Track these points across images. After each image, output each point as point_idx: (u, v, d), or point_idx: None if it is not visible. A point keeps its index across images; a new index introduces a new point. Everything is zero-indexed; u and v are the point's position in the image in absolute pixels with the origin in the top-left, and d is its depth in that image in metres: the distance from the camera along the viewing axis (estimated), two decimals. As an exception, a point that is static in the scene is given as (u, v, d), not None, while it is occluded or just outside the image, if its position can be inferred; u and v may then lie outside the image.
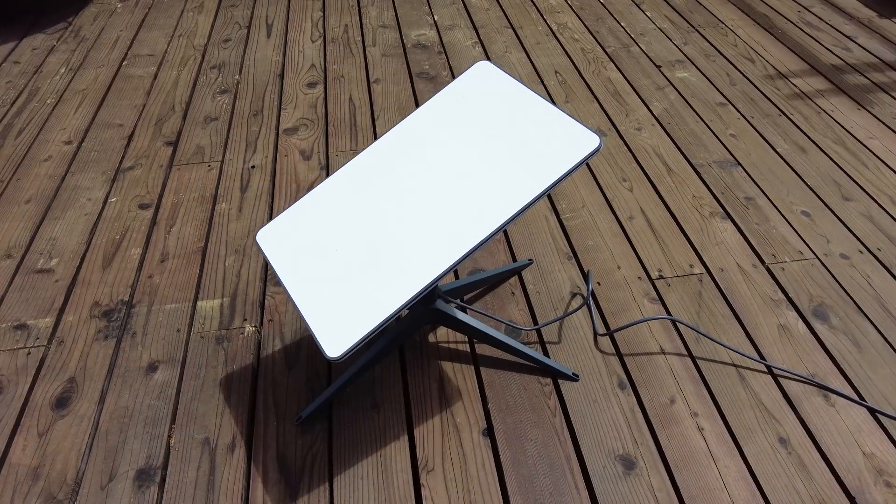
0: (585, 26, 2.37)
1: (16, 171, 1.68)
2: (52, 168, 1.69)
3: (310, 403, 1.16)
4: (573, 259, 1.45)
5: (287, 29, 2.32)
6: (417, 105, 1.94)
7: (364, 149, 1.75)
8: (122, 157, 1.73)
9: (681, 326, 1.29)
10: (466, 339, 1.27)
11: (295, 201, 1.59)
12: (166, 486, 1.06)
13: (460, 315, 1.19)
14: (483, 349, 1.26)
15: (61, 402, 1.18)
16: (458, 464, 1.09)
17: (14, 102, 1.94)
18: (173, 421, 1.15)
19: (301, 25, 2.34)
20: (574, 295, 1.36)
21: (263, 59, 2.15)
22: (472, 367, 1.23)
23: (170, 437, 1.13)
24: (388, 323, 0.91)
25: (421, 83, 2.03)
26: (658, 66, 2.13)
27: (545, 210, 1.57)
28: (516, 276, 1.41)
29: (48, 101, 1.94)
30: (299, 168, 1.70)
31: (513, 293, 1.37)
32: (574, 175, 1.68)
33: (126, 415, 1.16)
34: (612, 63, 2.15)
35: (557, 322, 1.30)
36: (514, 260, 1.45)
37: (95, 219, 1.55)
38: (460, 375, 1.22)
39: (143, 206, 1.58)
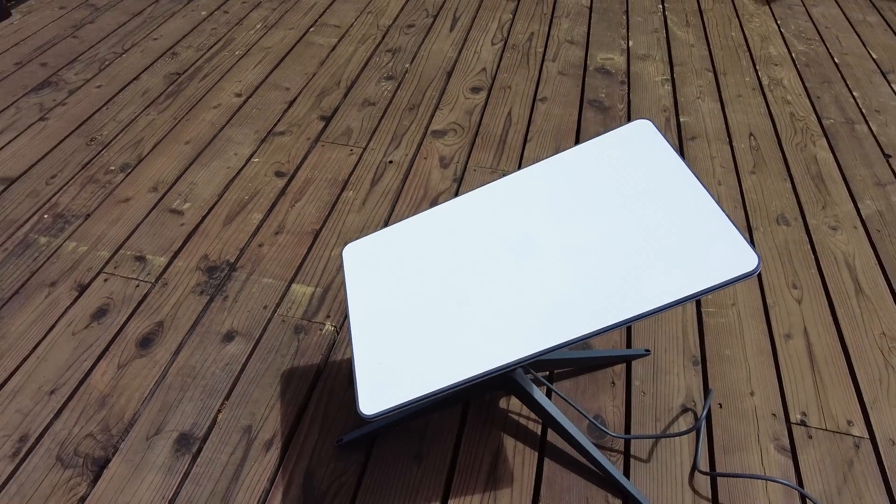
0: (805, 87, 2.01)
1: (188, 112, 1.81)
2: (216, 116, 1.80)
3: (356, 429, 1.09)
4: (699, 365, 1.21)
5: (472, 26, 2.26)
6: (578, 134, 1.77)
7: (504, 170, 1.64)
8: (278, 121, 1.79)
9: (808, 502, 1.01)
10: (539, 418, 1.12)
11: (417, 212, 1.52)
12: (198, 461, 1.05)
13: (536, 393, 1.03)
14: (555, 437, 1.09)
15: (145, 342, 1.23)
16: None
17: (210, 49, 2.10)
18: (227, 398, 1.15)
19: (487, 25, 2.26)
20: (685, 410, 1.14)
21: (438, 52, 2.10)
22: (536, 453, 1.07)
23: (219, 412, 1.13)
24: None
25: (590, 112, 1.85)
26: (887, 156, 1.73)
27: (683, 294, 1.34)
28: (624, 364, 1.21)
29: (236, 53, 2.08)
30: (433, 174, 1.63)
31: (613, 383, 1.18)
32: (732, 262, 1.42)
33: (191, 375, 1.18)
34: (824, 139, 1.79)
35: (653, 439, 1.09)
36: (629, 344, 1.25)
37: (234, 174, 1.61)
38: (519, 458, 1.07)
39: (278, 174, 1.62)
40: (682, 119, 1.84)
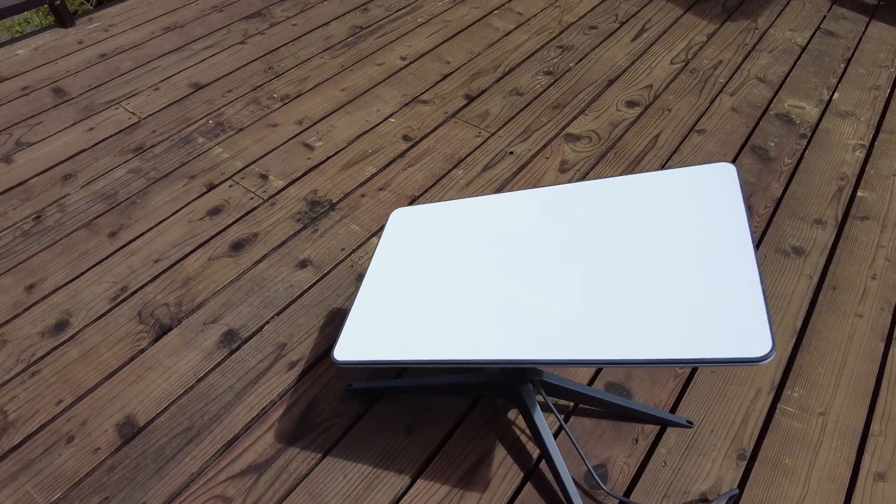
0: None
1: (355, 64, 1.97)
2: (376, 73, 1.93)
3: (367, 381, 1.14)
4: (745, 462, 1.05)
5: (657, 40, 2.12)
6: (723, 178, 1.59)
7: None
8: (426, 90, 1.87)
9: None
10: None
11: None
12: (232, 357, 1.18)
13: (536, 414, 0.99)
14: (547, 467, 1.03)
15: (237, 246, 1.40)
16: None
17: (397, 11, 2.24)
18: (278, 314, 1.26)
19: (674, 43, 2.11)
20: (703, 501, 1.00)
21: (609, 58, 2.02)
22: (522, 474, 1.03)
23: (267, 323, 1.25)
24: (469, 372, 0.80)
25: (748, 157, 1.65)
26: None
27: (765, 380, 1.16)
28: (658, 427, 1.09)
29: (418, 20, 2.19)
30: (548, 175, 1.59)
31: (636, 440, 1.08)
32: (839, 363, 1.19)
33: (259, 283, 1.31)
34: None
35: (652, 510, 0.98)
36: (675, 409, 1.13)
37: (369, 128, 1.73)
38: (503, 471, 1.03)
39: (405, 138, 1.70)
40: (859, 193, 1.56)
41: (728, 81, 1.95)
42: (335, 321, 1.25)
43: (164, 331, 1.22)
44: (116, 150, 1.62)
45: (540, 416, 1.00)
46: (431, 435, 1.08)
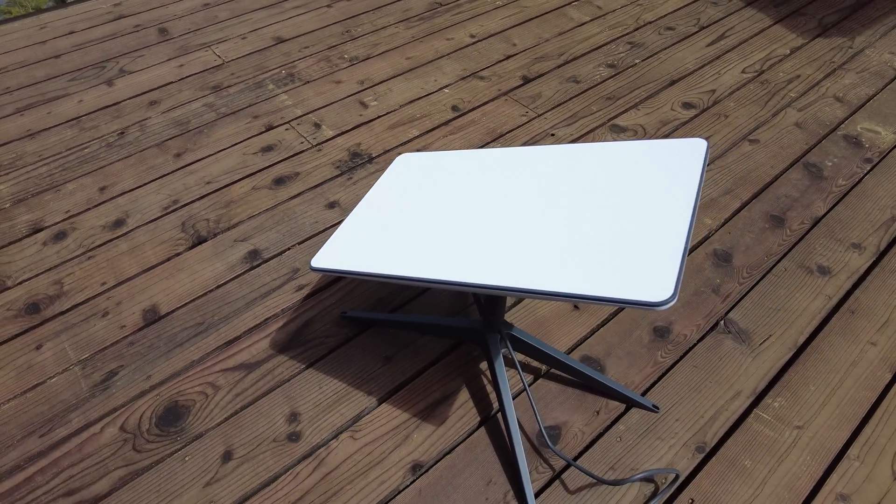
0: None
1: (426, 36, 2.07)
2: (443, 46, 2.02)
3: (360, 312, 1.24)
4: (703, 455, 1.05)
5: (734, 48, 2.05)
6: (763, 191, 1.54)
7: None
8: (486, 67, 1.93)
9: None
10: (509, 389, 1.12)
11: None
12: (251, 272, 1.32)
13: (497, 364, 1.04)
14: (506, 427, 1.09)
15: (279, 181, 1.54)
16: (369, 460, 1.03)
17: (479, -7, 2.32)
18: (301, 243, 1.39)
19: (751, 53, 2.03)
20: (648, 481, 1.01)
21: (678, 59, 1.98)
22: (479, 417, 1.09)
23: (288, 249, 1.37)
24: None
25: (798, 173, 1.59)
26: None
27: (747, 384, 1.14)
28: (624, 406, 1.11)
29: (497, 3, 2.26)
30: (582, 161, 1.62)
31: (597, 413, 1.10)
32: (834, 384, 1.14)
33: (290, 215, 1.45)
34: None
35: (594, 482, 1.01)
36: (645, 394, 1.14)
37: (423, 95, 1.82)
38: (462, 411, 1.09)
39: (454, 108, 1.78)
40: (914, 225, 1.46)
41: (800, 97, 1.86)
42: (347, 258, 1.36)
43: (200, 241, 1.39)
44: (198, 86, 1.82)
45: (501, 366, 1.06)
46: (406, 368, 1.16)
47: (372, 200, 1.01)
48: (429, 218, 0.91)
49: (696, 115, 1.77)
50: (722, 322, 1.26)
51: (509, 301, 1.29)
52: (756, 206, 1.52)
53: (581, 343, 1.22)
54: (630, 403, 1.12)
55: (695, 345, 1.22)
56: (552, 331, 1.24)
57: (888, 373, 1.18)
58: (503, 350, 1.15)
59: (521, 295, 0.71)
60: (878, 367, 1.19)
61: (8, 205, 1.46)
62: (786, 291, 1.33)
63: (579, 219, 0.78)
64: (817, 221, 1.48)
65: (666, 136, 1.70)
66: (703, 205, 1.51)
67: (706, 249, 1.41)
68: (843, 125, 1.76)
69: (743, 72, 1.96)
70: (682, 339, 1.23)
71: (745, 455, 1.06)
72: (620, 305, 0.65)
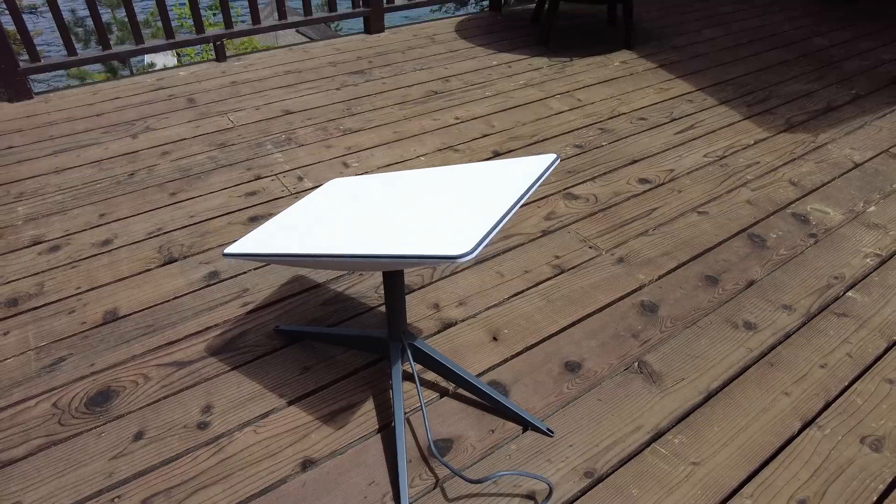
0: None
1: (414, 117, 2.32)
2: (428, 124, 2.25)
3: (294, 327, 1.34)
4: (590, 481, 1.06)
5: (700, 136, 2.19)
6: (700, 255, 1.61)
7: (601, 248, 1.61)
8: (462, 143, 2.13)
9: None
10: (415, 400, 1.17)
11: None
12: (206, 289, 1.45)
13: (395, 370, 1.12)
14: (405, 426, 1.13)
15: (252, 219, 1.71)
16: (265, 452, 1.10)
17: (472, 85, 2.59)
18: (257, 269, 1.52)
19: (716, 141, 2.17)
20: (529, 498, 1.03)
21: (644, 144, 2.13)
22: (377, 426, 1.14)
23: (244, 272, 1.51)
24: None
25: (739, 242, 1.64)
26: None
27: (650, 421, 1.15)
28: (519, 428, 1.14)
29: (486, 93, 2.51)
30: (530, 221, 1.73)
31: (492, 431, 1.14)
32: (740, 427, 1.14)
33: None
34: None
35: (474, 493, 1.03)
36: (545, 420, 1.16)
37: (400, 161, 2.02)
38: (361, 419, 1.15)
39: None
40: (850, 294, 1.48)
41: (756, 179, 1.96)
42: (292, 283, 1.48)
43: (171, 261, 1.55)
44: (207, 142, 2.08)
45: (398, 373, 1.13)
46: (320, 378, 1.24)
47: (290, 210, 1.16)
48: (326, 219, 1.04)
49: (650, 189, 1.89)
50: (636, 363, 1.29)
51: (430, 328, 1.36)
52: (693, 267, 1.58)
53: (491, 369, 1.27)
54: (526, 426, 1.15)
55: (603, 381, 1.25)
56: (466, 356, 1.30)
57: (797, 421, 1.18)
58: (405, 367, 1.21)
59: (358, 262, 0.82)
60: (789, 416, 1.18)
61: (20, 222, 1.68)
62: (707, 342, 1.35)
63: (434, 211, 0.90)
64: (751, 283, 1.52)
65: (617, 205, 1.81)
66: (639, 263, 1.58)
67: (633, 300, 1.46)
68: (793, 204, 1.84)
69: (705, 156, 2.09)
70: (591, 375, 1.26)
71: (633, 484, 1.06)
72: (431, 262, 0.74)
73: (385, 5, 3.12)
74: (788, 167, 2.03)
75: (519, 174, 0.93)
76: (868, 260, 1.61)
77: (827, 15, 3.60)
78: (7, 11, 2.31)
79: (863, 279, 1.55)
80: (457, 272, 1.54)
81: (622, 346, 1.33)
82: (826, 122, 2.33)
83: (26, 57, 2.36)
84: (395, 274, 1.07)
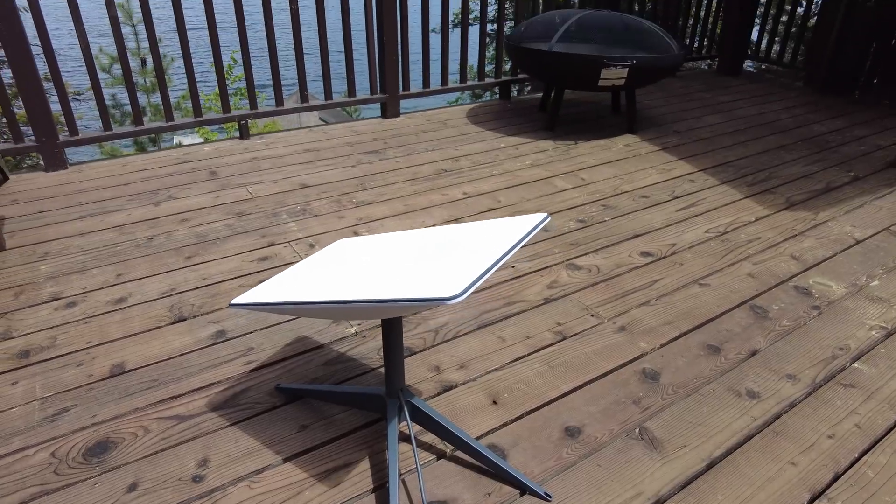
0: None
1: (424, 192, 2.42)
2: (437, 199, 2.34)
3: (295, 385, 1.35)
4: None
5: (702, 213, 2.25)
6: (701, 326, 1.61)
7: (602, 317, 1.63)
8: (468, 216, 2.21)
9: None
10: (420, 473, 1.15)
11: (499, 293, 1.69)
12: (212, 347, 1.48)
13: (391, 427, 1.12)
14: (401, 489, 1.12)
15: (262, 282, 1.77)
16: None
17: (479, 164, 2.71)
18: (263, 329, 1.56)
19: (718, 218, 2.22)
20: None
21: (646, 220, 2.19)
22: (372, 485, 1.12)
23: (251, 332, 1.54)
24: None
25: (743, 313, 1.65)
26: None
27: (651, 488, 1.12)
28: (517, 492, 1.12)
29: (494, 172, 2.62)
30: (534, 289, 1.76)
31: (489, 494, 1.11)
32: (745, 497, 1.10)
33: (262, 310, 1.64)
34: None
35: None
36: (543, 483, 1.14)
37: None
38: (357, 478, 1.14)
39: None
40: (856, 365, 1.47)
41: (757, 253, 1.99)
42: (295, 343, 1.51)
43: (181, 319, 1.59)
44: (225, 211, 2.18)
45: (394, 430, 1.12)
46: (317, 436, 1.23)
47: (297, 266, 1.21)
48: (329, 273, 1.09)
49: (651, 262, 1.92)
50: (637, 430, 1.27)
51: (430, 390, 1.37)
52: (695, 336, 1.58)
53: (490, 433, 1.26)
54: (524, 490, 1.13)
55: (604, 446, 1.23)
56: (465, 419, 1.29)
57: (806, 493, 1.14)
58: (402, 426, 1.21)
59: (356, 307, 0.85)
60: (797, 486, 1.15)
61: (42, 279, 1.75)
62: (709, 409, 1.34)
63: (433, 263, 0.94)
64: (754, 353, 1.52)
65: (619, 276, 1.84)
66: (641, 332, 1.59)
67: (635, 367, 1.46)
68: (795, 278, 1.85)
69: (706, 231, 2.14)
70: (591, 440, 1.25)
71: (634, 553, 1.02)
72: (424, 306, 0.78)
73: (401, 92, 3.34)
74: (790, 242, 2.06)
75: (512, 229, 0.98)
76: (873, 332, 1.60)
77: (823, 105, 3.77)
78: (55, 94, 2.51)
79: (869, 351, 1.53)
80: (458, 336, 1.55)
81: (623, 412, 1.32)
82: (826, 202, 2.39)
83: (66, 133, 2.55)
84: (393, 324, 1.10)
